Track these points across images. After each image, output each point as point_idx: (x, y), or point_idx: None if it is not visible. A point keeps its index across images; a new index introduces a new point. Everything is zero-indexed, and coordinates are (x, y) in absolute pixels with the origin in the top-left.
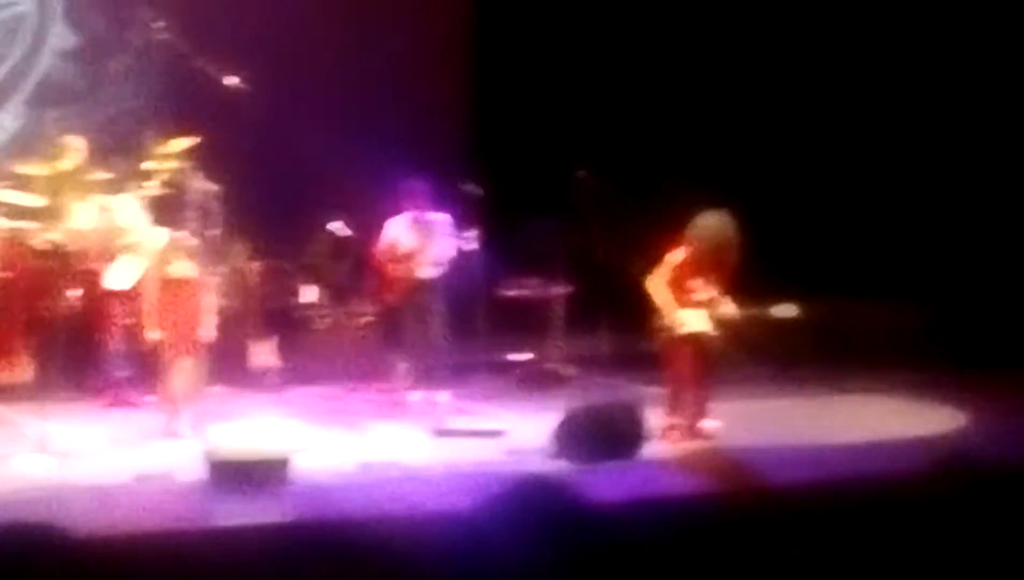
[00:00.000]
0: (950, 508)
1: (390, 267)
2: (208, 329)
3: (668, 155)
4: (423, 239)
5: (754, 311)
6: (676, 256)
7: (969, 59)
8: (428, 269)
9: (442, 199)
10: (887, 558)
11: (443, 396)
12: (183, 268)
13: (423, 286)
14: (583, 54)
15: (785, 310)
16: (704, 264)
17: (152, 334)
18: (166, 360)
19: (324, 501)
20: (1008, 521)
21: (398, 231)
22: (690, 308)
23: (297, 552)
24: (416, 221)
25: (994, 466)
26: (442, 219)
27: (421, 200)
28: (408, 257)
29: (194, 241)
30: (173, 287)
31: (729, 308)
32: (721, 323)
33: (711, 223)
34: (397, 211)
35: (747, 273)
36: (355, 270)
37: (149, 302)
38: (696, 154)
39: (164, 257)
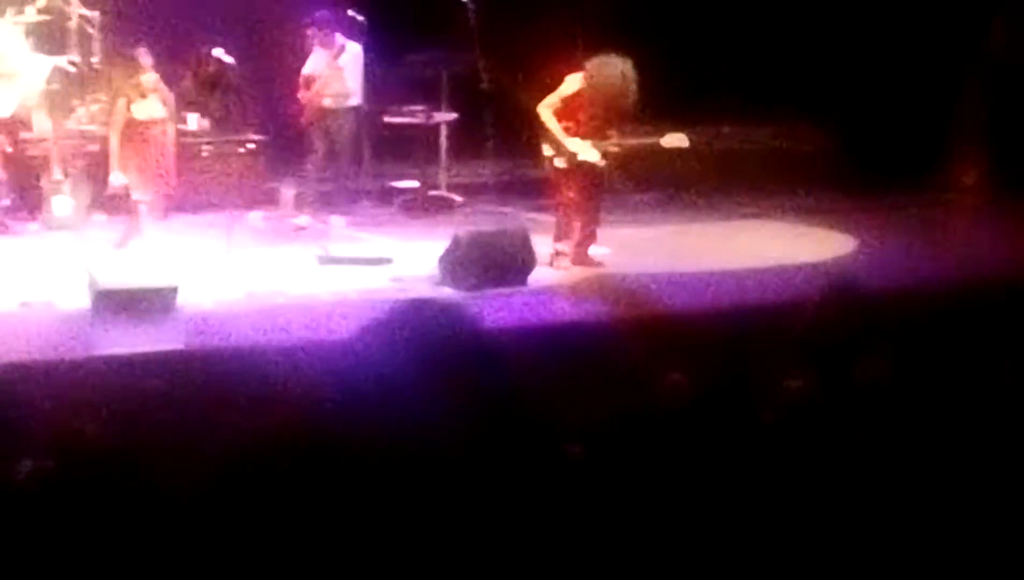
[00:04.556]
0: (838, 333)
1: (301, 94)
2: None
3: None
4: (330, 67)
5: (644, 141)
6: (569, 87)
7: None
8: (332, 98)
9: (327, 26)
10: (776, 384)
11: (337, 220)
12: (150, 109)
13: (330, 113)
14: None
15: (675, 140)
16: (598, 104)
17: (117, 179)
18: (131, 205)
19: (210, 330)
20: (894, 344)
21: (311, 59)
22: (580, 137)
23: (182, 381)
24: (326, 49)
25: (882, 291)
26: (350, 48)
27: (327, 29)
28: (314, 84)
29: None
30: (139, 129)
31: (618, 140)
32: (610, 153)
33: (611, 71)
34: (307, 42)
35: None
36: (238, 97)
37: (113, 145)
38: None
39: (128, 97)
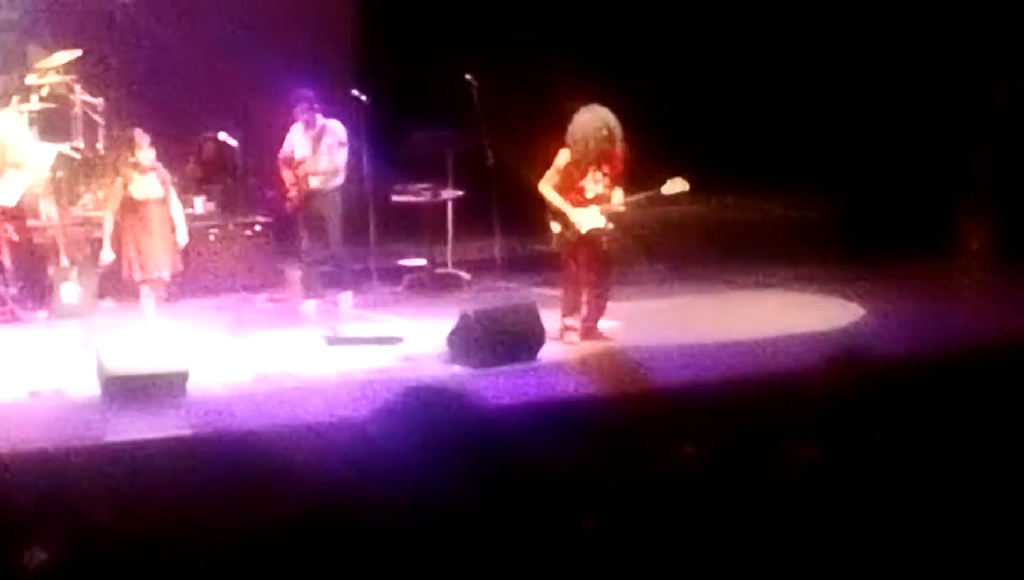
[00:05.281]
0: (848, 401)
1: (285, 173)
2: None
3: (559, 55)
4: (314, 148)
5: (645, 194)
6: (562, 158)
7: None
8: (319, 179)
9: (332, 106)
10: (786, 453)
11: (346, 298)
12: (147, 188)
13: (317, 194)
14: None
15: (675, 186)
16: (588, 161)
17: (107, 256)
18: (131, 284)
19: (220, 414)
20: (905, 412)
21: (292, 139)
22: (583, 207)
23: (193, 466)
24: (307, 129)
25: (891, 358)
26: (334, 128)
27: (312, 108)
28: (300, 165)
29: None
30: (137, 208)
31: (621, 198)
32: (616, 216)
33: (584, 119)
34: (289, 120)
35: (645, 171)
36: (243, 180)
37: (107, 223)
38: (588, 51)
39: (125, 176)
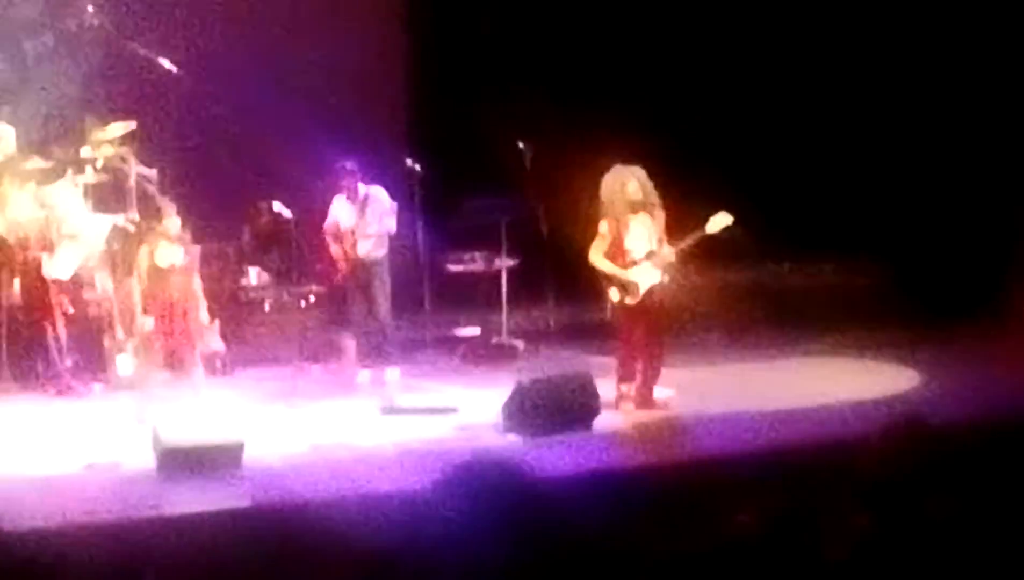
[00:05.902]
0: (906, 470)
1: (333, 246)
2: (202, 317)
3: (613, 121)
4: (359, 217)
5: (692, 236)
6: (603, 226)
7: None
8: (367, 247)
9: (383, 177)
10: (843, 522)
11: (393, 373)
12: (171, 256)
13: (365, 264)
14: (520, 25)
15: (719, 221)
16: (625, 220)
17: (142, 325)
18: (157, 349)
19: (276, 485)
20: (963, 481)
21: (337, 210)
22: (633, 268)
23: (249, 538)
24: (351, 199)
25: (949, 425)
26: (378, 195)
27: (355, 178)
28: (347, 235)
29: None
30: (162, 275)
31: (668, 249)
32: (671, 267)
33: (608, 181)
34: (334, 190)
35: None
36: (298, 250)
37: (137, 292)
38: (643, 118)
39: (151, 245)
